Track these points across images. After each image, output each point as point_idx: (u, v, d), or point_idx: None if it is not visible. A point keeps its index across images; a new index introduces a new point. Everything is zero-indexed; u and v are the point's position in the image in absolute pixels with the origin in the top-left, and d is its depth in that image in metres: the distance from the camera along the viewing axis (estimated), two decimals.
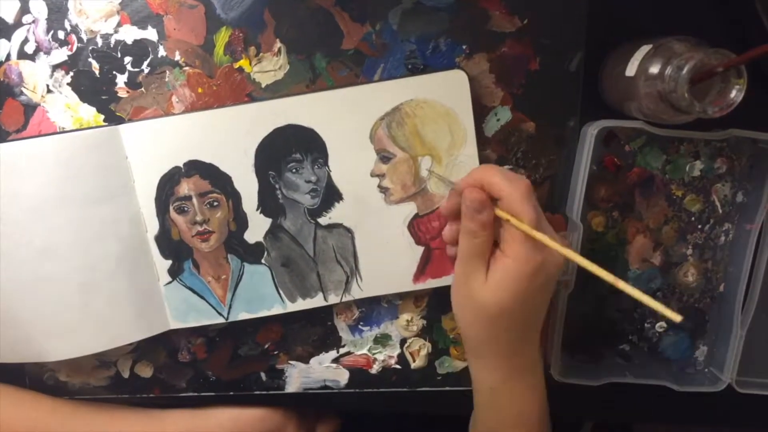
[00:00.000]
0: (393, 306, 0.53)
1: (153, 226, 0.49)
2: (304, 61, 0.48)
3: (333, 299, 0.51)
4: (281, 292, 0.51)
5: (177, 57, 0.48)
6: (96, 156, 0.47)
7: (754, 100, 0.42)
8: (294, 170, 0.49)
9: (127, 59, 0.48)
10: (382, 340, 0.54)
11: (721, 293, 0.55)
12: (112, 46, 0.48)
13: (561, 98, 0.50)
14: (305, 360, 0.54)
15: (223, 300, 0.51)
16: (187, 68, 0.48)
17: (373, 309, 0.53)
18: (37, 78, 0.48)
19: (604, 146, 0.51)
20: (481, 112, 0.49)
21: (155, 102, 0.49)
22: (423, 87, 0.48)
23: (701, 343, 0.56)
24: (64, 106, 0.48)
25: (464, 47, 0.49)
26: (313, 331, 0.54)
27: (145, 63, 0.48)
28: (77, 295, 0.48)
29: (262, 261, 0.50)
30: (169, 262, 0.50)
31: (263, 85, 0.48)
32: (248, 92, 0.49)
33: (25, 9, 0.47)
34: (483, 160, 0.49)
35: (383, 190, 0.50)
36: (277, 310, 0.51)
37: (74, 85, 0.48)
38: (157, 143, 0.48)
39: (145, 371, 0.54)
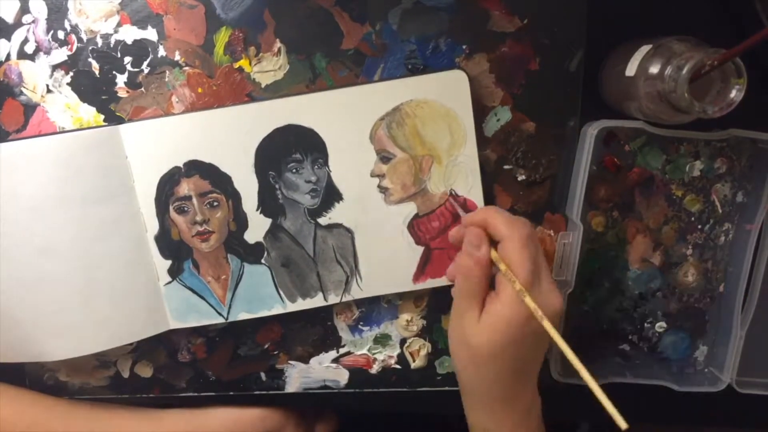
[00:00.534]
0: (393, 306, 0.53)
1: (153, 226, 0.49)
2: (304, 61, 0.48)
3: (333, 299, 0.51)
4: (281, 292, 0.51)
5: (177, 57, 0.48)
6: (96, 156, 0.47)
7: (754, 100, 0.42)
8: (294, 170, 0.49)
9: (127, 59, 0.48)
10: (381, 340, 0.54)
11: (720, 293, 0.55)
12: (112, 46, 0.48)
13: (561, 98, 0.50)
14: (305, 360, 0.54)
15: (223, 300, 0.51)
16: (187, 68, 0.48)
17: (373, 309, 0.53)
18: (37, 78, 0.48)
19: (604, 146, 0.51)
20: (481, 112, 0.49)
21: (155, 102, 0.49)
22: (423, 87, 0.48)
23: (701, 343, 0.56)
24: (63, 106, 0.48)
25: (464, 47, 0.49)
26: (313, 331, 0.54)
27: (145, 63, 0.48)
28: (77, 294, 0.48)
29: (262, 261, 0.50)
30: (169, 262, 0.50)
31: (263, 85, 0.48)
32: (248, 92, 0.49)
33: (24, 9, 0.47)
34: (483, 160, 0.49)
35: (383, 190, 0.50)
36: (277, 310, 0.51)
37: (74, 85, 0.48)
38: (157, 143, 0.48)
39: (145, 371, 0.54)
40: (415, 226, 0.50)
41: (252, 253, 0.50)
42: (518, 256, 0.40)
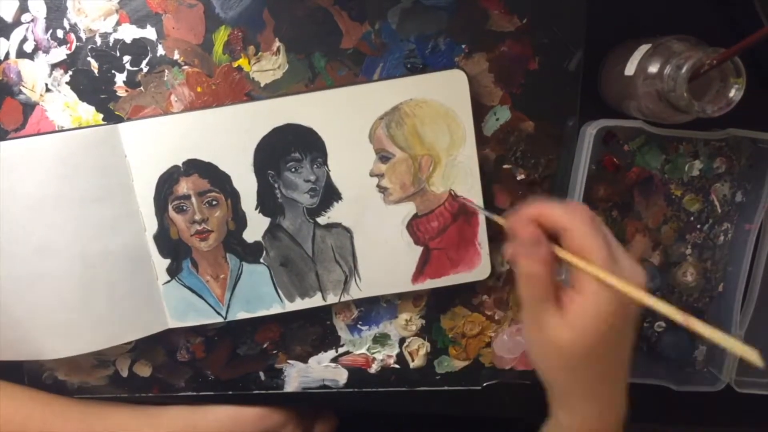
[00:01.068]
0: (392, 305, 0.53)
1: (152, 225, 0.49)
2: (303, 61, 0.48)
3: (332, 299, 0.51)
4: (280, 291, 0.51)
5: (176, 56, 0.48)
6: (95, 155, 0.47)
7: (753, 100, 0.42)
8: (293, 169, 0.49)
9: (126, 58, 0.48)
10: (380, 340, 0.54)
11: (720, 293, 0.55)
12: (111, 45, 0.48)
13: (560, 98, 0.50)
14: (304, 359, 0.54)
15: (221, 299, 0.51)
16: (186, 67, 0.48)
17: (372, 308, 0.53)
18: (36, 77, 0.48)
19: (603, 146, 0.51)
20: (480, 111, 0.49)
21: (154, 101, 0.49)
22: (422, 86, 0.48)
23: (700, 343, 0.56)
24: (62, 104, 0.48)
25: (463, 47, 0.49)
26: (312, 331, 0.54)
27: (144, 62, 0.48)
28: (75, 293, 0.48)
29: (261, 260, 0.50)
30: (168, 261, 0.50)
31: (262, 84, 0.48)
32: (247, 91, 0.48)
33: (24, 8, 0.47)
34: (482, 159, 0.49)
35: (382, 189, 0.50)
36: (275, 309, 0.51)
37: (73, 84, 0.48)
38: (156, 142, 0.48)
39: (144, 370, 0.54)
40: (414, 226, 0.50)
41: (251, 253, 0.50)
42: (590, 241, 0.36)
